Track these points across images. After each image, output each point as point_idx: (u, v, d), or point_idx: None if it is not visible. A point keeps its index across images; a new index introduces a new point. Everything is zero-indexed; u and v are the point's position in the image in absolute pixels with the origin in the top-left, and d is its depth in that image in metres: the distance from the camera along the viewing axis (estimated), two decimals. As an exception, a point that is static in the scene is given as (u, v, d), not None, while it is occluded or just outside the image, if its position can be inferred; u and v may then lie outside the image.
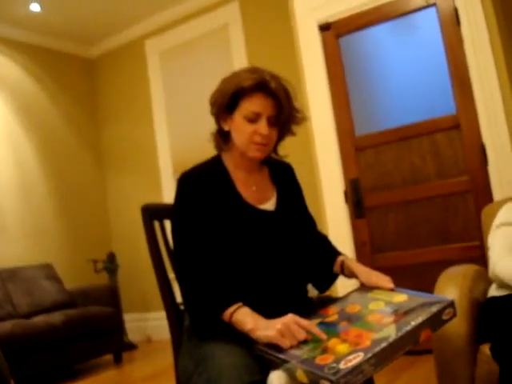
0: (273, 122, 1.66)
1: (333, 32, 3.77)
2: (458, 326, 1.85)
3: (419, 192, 3.49)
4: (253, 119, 1.63)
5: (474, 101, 3.28)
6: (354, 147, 3.69)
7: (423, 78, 3.57)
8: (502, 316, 1.83)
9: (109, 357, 4.82)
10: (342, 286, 2.27)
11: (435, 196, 3.44)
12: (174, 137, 5.53)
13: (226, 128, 1.71)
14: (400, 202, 3.55)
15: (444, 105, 3.44)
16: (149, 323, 5.60)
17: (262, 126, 1.63)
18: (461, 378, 1.87)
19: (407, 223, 3.53)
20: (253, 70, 1.68)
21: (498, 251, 2.07)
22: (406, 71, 3.65)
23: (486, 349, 1.86)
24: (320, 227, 2.02)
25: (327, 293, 1.90)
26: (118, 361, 4.75)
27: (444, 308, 1.42)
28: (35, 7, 5.09)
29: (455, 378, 1.89)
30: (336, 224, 3.66)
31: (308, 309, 1.62)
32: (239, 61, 4.92)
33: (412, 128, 3.52)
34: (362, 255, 3.61)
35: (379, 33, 3.72)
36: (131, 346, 5.27)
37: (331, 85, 3.75)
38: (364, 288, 1.67)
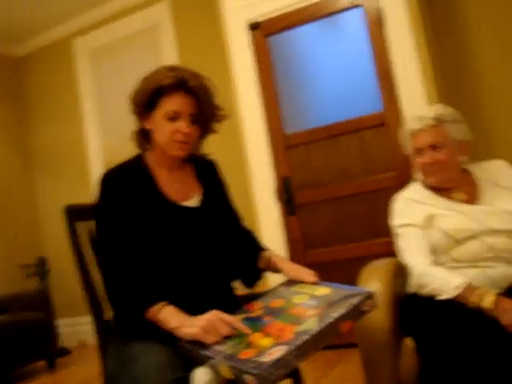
0: (193, 120, 1.66)
1: (262, 31, 3.80)
2: (380, 320, 1.86)
3: (348, 188, 3.56)
4: (173, 117, 1.64)
5: (399, 99, 3.37)
6: (284, 145, 3.73)
7: (351, 77, 3.64)
8: (423, 312, 1.85)
9: (42, 363, 4.70)
10: (274, 282, 2.29)
11: (363, 192, 3.51)
12: (106, 137, 5.42)
13: (148, 127, 1.71)
14: (330, 199, 3.61)
15: (371, 103, 3.51)
16: (83, 328, 5.47)
17: (183, 125, 1.64)
18: (385, 371, 1.88)
19: (337, 219, 3.59)
20: (172, 69, 1.67)
21: (413, 260, 2.02)
22: (334, 70, 3.71)
23: (409, 341, 1.90)
24: (252, 225, 2.03)
25: (258, 289, 1.90)
26: (51, 366, 4.63)
27: (364, 300, 1.46)
28: (-44, 4, 4.90)
29: (380, 371, 1.90)
30: (268, 222, 3.69)
31: (234, 305, 1.63)
32: (170, 60, 4.87)
33: (340, 126, 3.58)
34: (294, 252, 3.66)
35: (308, 32, 3.76)
36: (64, 352, 5.15)
37: (260, 84, 3.78)
38: (289, 282, 1.70)
